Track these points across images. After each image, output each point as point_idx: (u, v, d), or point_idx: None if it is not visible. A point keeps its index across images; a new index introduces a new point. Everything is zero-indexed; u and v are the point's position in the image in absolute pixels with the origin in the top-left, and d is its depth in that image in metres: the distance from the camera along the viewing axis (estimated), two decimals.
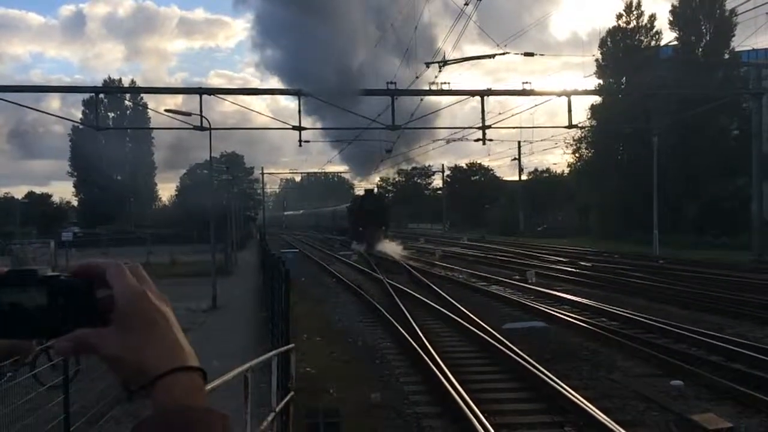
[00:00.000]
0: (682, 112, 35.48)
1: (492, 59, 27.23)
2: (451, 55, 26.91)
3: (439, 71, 26.31)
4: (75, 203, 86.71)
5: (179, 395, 0.83)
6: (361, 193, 54.77)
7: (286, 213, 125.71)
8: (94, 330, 0.87)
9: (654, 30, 52.05)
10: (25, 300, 0.87)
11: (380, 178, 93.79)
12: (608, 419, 8.21)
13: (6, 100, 24.49)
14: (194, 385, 0.85)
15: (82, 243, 48.94)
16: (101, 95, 31.02)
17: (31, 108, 31.03)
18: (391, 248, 42.72)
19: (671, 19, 48.79)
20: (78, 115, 79.36)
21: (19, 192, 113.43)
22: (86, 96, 59.43)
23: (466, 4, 20.51)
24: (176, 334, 0.88)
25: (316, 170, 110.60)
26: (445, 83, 26.67)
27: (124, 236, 56.54)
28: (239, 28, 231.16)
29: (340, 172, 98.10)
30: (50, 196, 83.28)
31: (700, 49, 47.20)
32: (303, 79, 28.97)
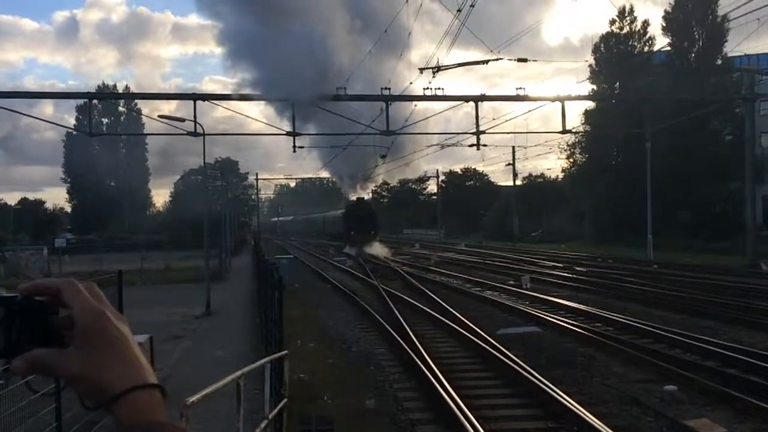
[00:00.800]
0: (675, 117, 35.63)
1: (485, 65, 27.28)
2: (443, 61, 26.95)
3: (433, 77, 26.38)
4: (68, 209, 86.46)
5: (141, 412, 0.85)
6: (353, 199, 57.86)
7: (274, 218, 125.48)
8: (52, 350, 0.87)
9: (647, 36, 52.38)
10: None
11: (375, 185, 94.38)
12: (602, 424, 8.20)
13: (1, 107, 24.45)
14: (155, 402, 0.87)
15: (76, 249, 48.75)
16: (95, 101, 30.90)
17: (25, 114, 31.02)
18: (380, 251, 46.24)
19: (664, 24, 49.09)
20: (71, 121, 79.19)
21: (12, 198, 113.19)
22: (80, 102, 59.37)
23: (459, 10, 20.58)
24: (135, 353, 0.90)
25: (310, 176, 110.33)
26: (439, 89, 26.73)
27: (118, 242, 56.37)
28: None
29: (333, 180, 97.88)
30: (43, 202, 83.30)
31: (693, 55, 47.47)
32: (281, 89, 28.95)
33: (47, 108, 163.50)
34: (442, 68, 26.09)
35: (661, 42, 50.03)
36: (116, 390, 0.85)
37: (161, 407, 0.88)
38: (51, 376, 0.89)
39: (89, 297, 0.90)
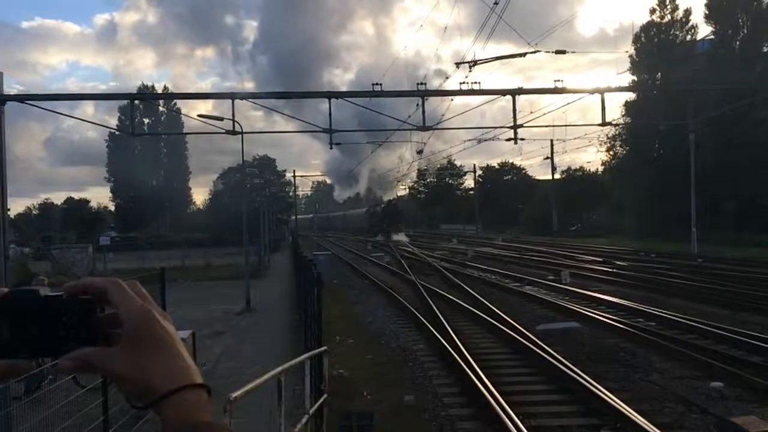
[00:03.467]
0: (719, 107, 34.69)
1: (523, 57, 26.94)
2: (477, 55, 26.70)
3: (470, 71, 26.16)
4: (112, 208, 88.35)
5: (187, 412, 0.85)
6: (386, 201, 77.49)
7: (302, 216, 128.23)
8: (98, 348, 0.88)
9: (689, 24, 51.08)
10: (26, 320, 0.87)
11: (411, 180, 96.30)
12: (646, 422, 8.06)
13: (45, 109, 25.09)
14: (201, 402, 0.87)
15: (119, 247, 49.86)
16: (136, 101, 31.45)
17: (69, 116, 31.71)
18: (403, 238, 61.90)
19: (707, 12, 47.80)
20: (113, 121, 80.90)
21: (58, 198, 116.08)
22: (122, 103, 60.57)
23: (496, 3, 20.37)
24: (182, 352, 0.90)
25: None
26: (475, 83, 26.47)
27: (160, 240, 57.46)
28: None
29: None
30: (88, 201, 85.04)
31: (738, 43, 46.14)
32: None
33: (87, 109, 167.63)
34: (478, 62, 25.88)
35: (704, 30, 48.84)
36: (163, 390, 0.86)
37: (207, 407, 0.88)
38: (98, 374, 0.90)
39: (135, 296, 0.90)
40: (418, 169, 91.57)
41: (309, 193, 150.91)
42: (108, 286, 0.90)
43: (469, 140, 48.57)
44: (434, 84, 28.14)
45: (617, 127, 50.04)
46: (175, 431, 0.84)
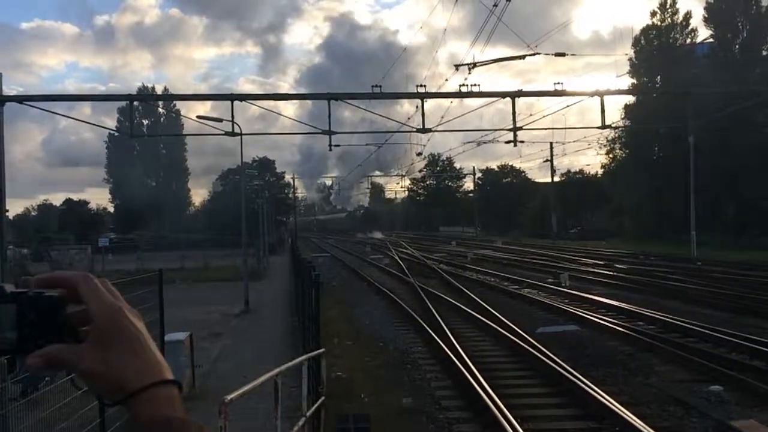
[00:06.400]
0: (719, 110, 34.72)
1: (523, 60, 26.92)
2: (475, 58, 26.67)
3: (469, 73, 26.14)
4: (111, 209, 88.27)
5: (159, 408, 0.85)
6: (365, 207, 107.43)
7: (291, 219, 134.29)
8: (68, 346, 0.86)
9: (689, 27, 51.18)
10: None
11: (410, 180, 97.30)
12: (645, 425, 8.02)
13: (44, 110, 25.09)
14: (172, 398, 0.87)
15: (118, 249, 49.83)
16: (135, 103, 31.45)
17: (69, 117, 31.62)
18: (379, 235, 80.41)
19: (706, 16, 47.89)
20: (111, 122, 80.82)
21: (56, 199, 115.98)
22: (121, 104, 60.53)
23: (495, 5, 20.37)
24: (152, 349, 0.89)
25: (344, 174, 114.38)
26: (475, 85, 26.46)
27: (159, 241, 57.41)
28: None
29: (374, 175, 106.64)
30: (87, 202, 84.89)
31: (737, 46, 46.21)
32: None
33: (86, 110, 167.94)
34: (478, 64, 25.86)
35: (704, 34, 48.90)
36: (134, 387, 0.85)
37: (178, 403, 0.88)
38: (68, 371, 0.88)
39: (106, 293, 0.89)
40: (421, 170, 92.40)
41: (307, 195, 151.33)
42: (79, 281, 0.89)
43: (469, 142, 48.67)
44: (431, 87, 28.09)
45: (617, 130, 50.09)
46: (147, 427, 0.84)
